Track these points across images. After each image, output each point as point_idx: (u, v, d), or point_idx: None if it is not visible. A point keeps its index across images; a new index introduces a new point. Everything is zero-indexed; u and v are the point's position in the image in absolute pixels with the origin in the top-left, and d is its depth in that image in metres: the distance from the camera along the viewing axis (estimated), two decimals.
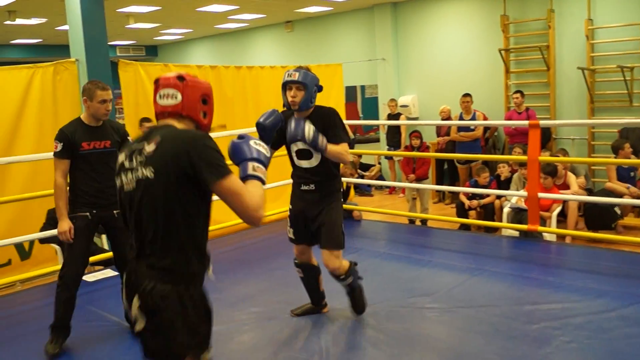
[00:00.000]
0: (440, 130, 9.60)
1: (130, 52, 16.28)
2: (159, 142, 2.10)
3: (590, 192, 7.64)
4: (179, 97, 2.23)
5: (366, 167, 11.24)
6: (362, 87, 12.43)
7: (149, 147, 2.11)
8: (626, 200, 6.81)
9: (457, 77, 10.46)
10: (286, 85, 3.69)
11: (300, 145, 3.79)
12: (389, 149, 10.37)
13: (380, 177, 11.07)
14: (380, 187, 10.79)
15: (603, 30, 8.91)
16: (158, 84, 2.29)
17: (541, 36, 9.44)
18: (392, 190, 10.63)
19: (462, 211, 7.64)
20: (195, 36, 15.69)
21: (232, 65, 7.80)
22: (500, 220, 7.08)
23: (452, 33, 10.68)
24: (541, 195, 5.82)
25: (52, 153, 5.63)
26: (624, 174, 7.46)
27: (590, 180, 8.18)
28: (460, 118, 8.88)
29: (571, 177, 7.25)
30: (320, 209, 3.84)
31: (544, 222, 6.55)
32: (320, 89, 3.75)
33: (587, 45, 8.98)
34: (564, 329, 3.82)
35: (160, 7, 10.53)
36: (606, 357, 3.48)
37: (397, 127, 10.19)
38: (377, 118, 11.73)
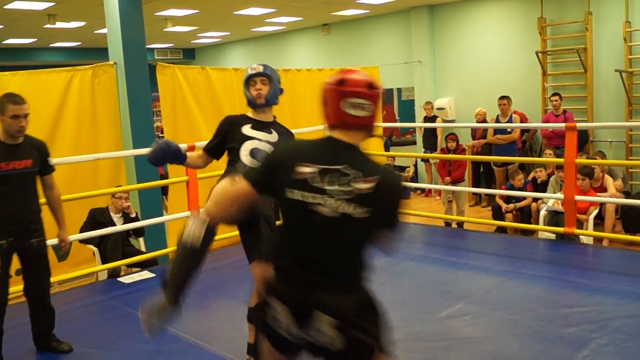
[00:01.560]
0: (475, 133, 9.53)
1: (168, 55, 16.54)
2: (377, 184, 2.00)
3: (627, 194, 7.50)
4: (371, 109, 2.05)
5: (402, 169, 11.22)
6: (399, 90, 12.43)
7: (364, 185, 1.98)
8: None
9: (494, 79, 10.36)
10: (249, 80, 3.41)
11: (257, 143, 3.37)
12: (425, 152, 10.32)
13: (413, 179, 11.03)
14: (415, 190, 10.75)
15: None
16: (346, 90, 2.05)
17: (578, 38, 9.30)
18: (428, 192, 10.59)
19: (498, 214, 7.57)
20: (233, 39, 15.85)
21: None
22: (537, 223, 7.00)
23: (489, 35, 10.59)
24: (578, 197, 5.74)
25: (91, 155, 5.74)
26: None
27: (628, 183, 8.02)
28: (497, 120, 8.80)
29: (608, 179, 7.13)
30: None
31: (580, 224, 6.45)
32: (281, 91, 3.52)
33: (624, 48, 8.83)
34: (601, 331, 3.77)
35: (197, 11, 10.69)
36: None
37: (434, 130, 10.15)
38: (413, 121, 11.70)
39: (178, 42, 15.89)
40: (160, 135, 8.62)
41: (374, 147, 8.55)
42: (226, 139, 3.45)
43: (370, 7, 11.29)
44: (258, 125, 3.42)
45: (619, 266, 5.24)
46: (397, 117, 12.63)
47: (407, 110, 12.07)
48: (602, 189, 7.09)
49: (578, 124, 5.91)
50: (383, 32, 12.35)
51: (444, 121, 10.46)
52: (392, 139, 11.82)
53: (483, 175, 9.62)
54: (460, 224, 7.65)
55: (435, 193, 10.26)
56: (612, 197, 6.79)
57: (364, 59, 12.07)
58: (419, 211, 8.19)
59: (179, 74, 6.78)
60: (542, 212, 6.87)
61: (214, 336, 4.08)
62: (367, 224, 2.01)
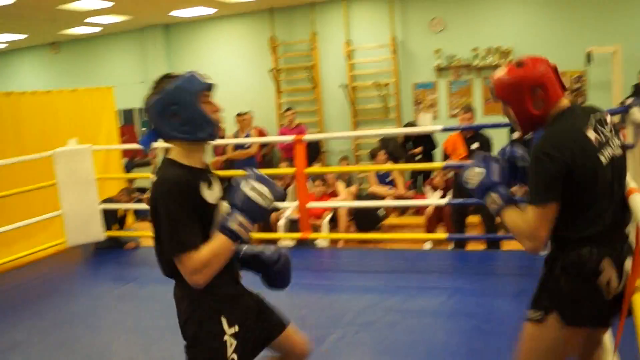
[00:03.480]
0: (217, 150, 9.70)
1: None
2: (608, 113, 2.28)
3: (358, 197, 8.23)
4: None
5: (143, 191, 10.94)
6: (140, 110, 12.15)
7: (609, 117, 2.24)
8: (386, 202, 7.47)
9: (232, 96, 10.61)
10: (201, 95, 2.16)
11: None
12: None
13: None
14: None
15: (360, 50, 9.69)
16: (548, 66, 2.22)
17: (307, 57, 10.01)
18: None
19: None
20: None
21: None
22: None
23: (225, 54, 10.89)
24: (311, 204, 6.15)
25: None
26: (382, 179, 8.18)
27: (361, 188, 8.84)
28: (236, 136, 9.06)
29: (339, 185, 7.76)
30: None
31: (319, 229, 6.92)
32: None
33: (347, 65, 9.71)
34: (335, 326, 4.08)
35: None
36: (372, 345, 3.81)
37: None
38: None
39: None
40: None
41: (112, 169, 8.25)
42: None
43: (102, 26, 10.92)
44: (211, 180, 2.20)
45: (352, 264, 5.72)
46: (139, 138, 12.33)
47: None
48: (336, 194, 7.68)
49: (306, 136, 6.34)
50: (118, 51, 12.02)
51: None
52: (135, 160, 11.49)
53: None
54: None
55: None
56: (341, 202, 7.39)
57: (98, 78, 11.59)
58: None
59: None
60: (281, 222, 7.22)
61: None
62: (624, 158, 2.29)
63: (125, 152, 10.18)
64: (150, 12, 10.02)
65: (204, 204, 2.08)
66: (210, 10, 10.22)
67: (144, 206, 9.46)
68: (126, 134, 10.85)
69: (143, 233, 7.28)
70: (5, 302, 5.35)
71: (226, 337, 2.12)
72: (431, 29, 9.37)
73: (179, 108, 2.09)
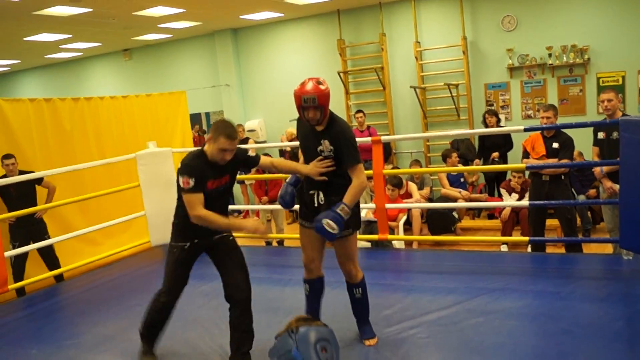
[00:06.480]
0: (285, 153, 9.80)
1: None
2: None
3: (430, 200, 8.17)
4: None
5: None
6: (207, 114, 12.40)
7: None
8: (461, 204, 7.39)
9: None
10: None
11: None
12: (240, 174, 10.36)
13: (230, 202, 10.99)
14: (233, 212, 10.74)
15: (429, 51, 9.63)
16: None
17: (375, 58, 10.00)
18: (246, 214, 10.64)
19: None
20: (24, 67, 14.80)
21: (68, 97, 7.42)
22: None
23: (292, 57, 10.99)
24: (388, 205, 6.14)
25: None
26: (454, 180, 8.08)
27: (433, 190, 8.75)
28: None
29: (412, 186, 7.72)
30: None
31: (392, 231, 6.90)
32: None
33: (416, 66, 9.65)
34: (420, 327, 4.06)
35: None
36: (458, 346, 3.77)
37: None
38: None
39: None
40: None
41: None
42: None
43: (173, 32, 11.20)
44: None
45: (429, 265, 5.68)
46: None
47: None
48: (408, 195, 7.65)
49: (383, 137, 6.34)
50: (188, 56, 12.30)
51: (256, 142, 10.64)
52: None
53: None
54: (280, 242, 7.79)
55: (253, 214, 10.33)
56: (417, 202, 7.36)
57: (169, 83, 11.91)
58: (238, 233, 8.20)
59: None
60: None
61: None
62: None
63: None
64: (220, 17, 10.22)
65: None
66: (278, 14, 10.35)
67: None
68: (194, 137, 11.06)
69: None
70: (97, 298, 5.56)
71: None
72: (503, 27, 9.22)
73: None
